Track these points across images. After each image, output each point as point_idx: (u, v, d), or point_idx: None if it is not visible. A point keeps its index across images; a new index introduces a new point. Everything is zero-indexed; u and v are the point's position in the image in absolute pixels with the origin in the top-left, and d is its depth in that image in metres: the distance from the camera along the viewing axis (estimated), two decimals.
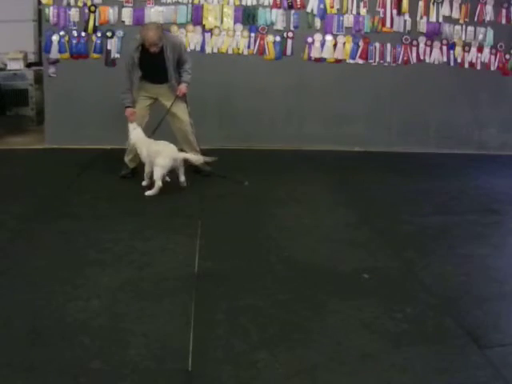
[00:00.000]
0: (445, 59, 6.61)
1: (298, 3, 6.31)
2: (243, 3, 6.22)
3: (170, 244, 3.40)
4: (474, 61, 6.66)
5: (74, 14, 6.02)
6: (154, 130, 4.74)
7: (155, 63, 4.63)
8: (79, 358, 2.17)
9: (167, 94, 4.82)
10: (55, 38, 6.05)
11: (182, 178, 4.61)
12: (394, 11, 6.43)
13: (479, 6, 6.53)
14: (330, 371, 2.16)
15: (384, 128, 6.67)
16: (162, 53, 4.61)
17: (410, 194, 4.80)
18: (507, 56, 6.71)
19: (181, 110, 4.87)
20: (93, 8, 6.02)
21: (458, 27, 6.56)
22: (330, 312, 2.63)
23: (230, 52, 6.29)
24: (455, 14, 6.52)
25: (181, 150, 4.76)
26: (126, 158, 4.90)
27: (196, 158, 4.67)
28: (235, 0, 6.19)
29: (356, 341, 2.38)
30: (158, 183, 4.38)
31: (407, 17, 6.46)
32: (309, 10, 6.32)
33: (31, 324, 2.41)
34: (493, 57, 6.68)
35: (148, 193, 4.39)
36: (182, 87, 4.78)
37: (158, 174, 4.37)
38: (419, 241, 3.65)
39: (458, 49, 6.61)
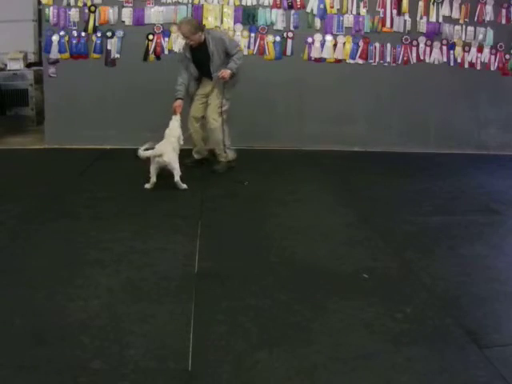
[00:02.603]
0: (445, 59, 6.61)
1: (298, 3, 6.31)
2: (243, 3, 6.22)
3: (170, 244, 3.40)
4: (473, 61, 6.66)
5: (73, 14, 6.03)
6: None
7: (203, 59, 4.97)
8: (79, 358, 2.17)
9: (215, 89, 5.09)
10: (55, 38, 6.05)
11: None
12: (394, 11, 6.43)
13: (479, 6, 6.53)
14: (330, 371, 2.16)
15: (384, 128, 6.67)
16: (207, 48, 4.91)
17: (410, 194, 4.80)
18: (507, 56, 6.71)
19: (212, 97, 5.12)
20: (93, 8, 6.02)
21: (458, 27, 6.56)
22: (330, 312, 2.63)
23: None
24: (455, 14, 6.52)
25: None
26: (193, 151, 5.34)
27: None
28: (235, 0, 6.20)
29: (356, 341, 2.38)
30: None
31: (407, 17, 6.46)
32: (309, 10, 6.33)
33: (31, 324, 2.41)
34: (493, 57, 6.68)
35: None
36: (224, 71, 4.91)
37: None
38: (419, 241, 3.65)
39: (458, 49, 6.61)
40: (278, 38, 6.33)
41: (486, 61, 6.68)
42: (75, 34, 6.07)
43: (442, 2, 6.47)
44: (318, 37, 6.37)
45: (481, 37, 6.61)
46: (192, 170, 5.14)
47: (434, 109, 6.70)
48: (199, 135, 5.26)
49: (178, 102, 4.93)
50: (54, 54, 6.09)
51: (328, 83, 6.47)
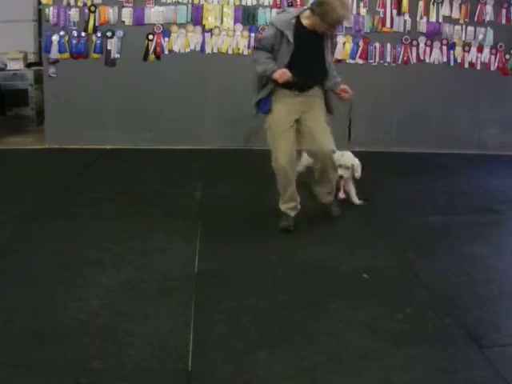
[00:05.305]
0: (445, 59, 6.61)
1: (298, 3, 6.30)
2: (243, 3, 6.21)
3: (170, 244, 3.40)
4: (473, 61, 6.65)
5: (74, 14, 6.02)
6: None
7: (312, 52, 3.47)
8: (79, 358, 2.17)
9: (310, 105, 3.57)
10: (55, 38, 6.04)
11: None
12: (394, 11, 6.42)
13: (479, 6, 6.52)
14: (330, 371, 2.16)
15: (384, 128, 6.66)
16: (323, 39, 3.47)
17: (410, 194, 4.79)
18: (507, 56, 6.70)
19: (320, 127, 3.60)
20: (93, 8, 6.02)
21: (457, 27, 6.56)
22: (330, 312, 2.63)
23: (230, 52, 6.29)
24: (455, 14, 6.52)
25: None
26: (285, 206, 3.71)
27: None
28: (235, 0, 6.19)
29: (356, 341, 2.38)
30: None
31: (407, 17, 6.45)
32: None
33: (31, 324, 2.41)
34: (493, 57, 6.67)
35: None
36: (345, 87, 3.66)
37: None
38: (419, 241, 3.65)
39: (458, 49, 6.60)
40: None
41: (486, 61, 6.68)
42: (75, 34, 6.06)
43: (441, 2, 6.47)
44: None
45: (481, 37, 6.60)
46: (190, 170, 5.14)
47: (434, 109, 6.69)
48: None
49: (282, 70, 3.33)
50: (54, 54, 6.09)
51: None
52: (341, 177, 4.12)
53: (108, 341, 2.30)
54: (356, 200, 4.33)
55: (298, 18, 3.40)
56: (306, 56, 3.41)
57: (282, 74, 3.31)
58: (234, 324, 2.48)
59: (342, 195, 4.25)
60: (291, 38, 3.33)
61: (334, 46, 3.63)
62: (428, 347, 2.34)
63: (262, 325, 2.49)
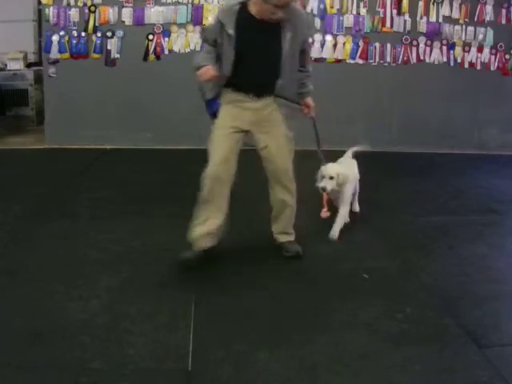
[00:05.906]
0: (445, 59, 6.61)
1: (298, 3, 6.30)
2: None
3: (170, 244, 3.39)
4: (473, 61, 6.65)
5: (74, 14, 6.03)
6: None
7: (263, 47, 2.86)
8: (79, 358, 2.17)
9: (269, 119, 3.06)
10: (55, 38, 6.05)
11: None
12: (394, 11, 6.42)
13: (479, 6, 6.52)
14: (330, 371, 2.16)
15: (384, 128, 6.66)
16: (279, 30, 2.83)
17: (410, 194, 4.79)
18: (507, 56, 6.70)
19: (279, 143, 3.15)
20: (93, 8, 6.02)
21: (457, 27, 6.56)
22: (330, 312, 2.63)
23: None
24: (455, 14, 6.52)
25: None
26: (200, 230, 3.06)
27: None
28: None
29: (356, 341, 2.38)
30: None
31: (407, 17, 6.45)
32: (309, 10, 6.32)
33: (31, 324, 2.41)
34: (493, 57, 6.67)
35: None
36: (311, 102, 3.34)
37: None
38: (419, 241, 3.65)
39: (458, 49, 6.60)
40: None
41: (486, 61, 6.68)
42: (75, 34, 6.07)
43: (441, 2, 6.47)
44: (317, 37, 6.37)
45: (481, 37, 6.60)
46: (190, 170, 5.13)
47: (434, 109, 6.69)
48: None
49: (207, 67, 2.82)
50: (54, 54, 6.09)
51: (328, 83, 6.46)
52: (323, 189, 3.55)
53: (108, 341, 2.30)
54: (356, 207, 4.07)
55: (244, 4, 2.79)
56: (255, 53, 2.83)
57: (205, 70, 2.79)
58: (234, 324, 2.48)
59: (324, 213, 3.86)
60: (231, 30, 2.74)
61: (300, 42, 2.94)
62: (428, 347, 2.34)
63: (261, 325, 2.49)
